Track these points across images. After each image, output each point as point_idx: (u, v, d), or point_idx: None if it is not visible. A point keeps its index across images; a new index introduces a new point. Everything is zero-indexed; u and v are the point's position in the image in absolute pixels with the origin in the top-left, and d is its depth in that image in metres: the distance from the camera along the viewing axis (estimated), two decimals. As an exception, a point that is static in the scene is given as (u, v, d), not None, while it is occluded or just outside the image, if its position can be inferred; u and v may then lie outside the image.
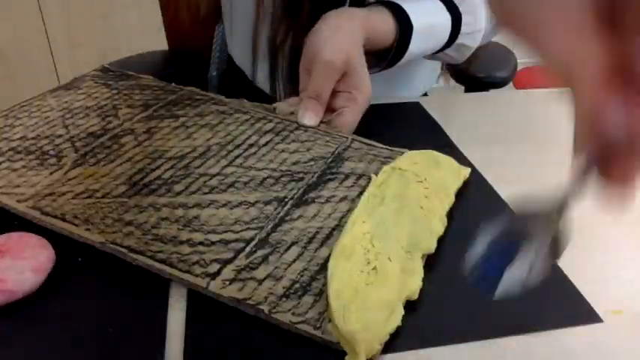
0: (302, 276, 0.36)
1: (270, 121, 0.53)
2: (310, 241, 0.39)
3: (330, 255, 0.37)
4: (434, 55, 0.70)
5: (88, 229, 0.38)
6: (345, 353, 0.32)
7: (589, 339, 0.35)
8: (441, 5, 0.64)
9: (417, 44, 0.62)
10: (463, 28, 0.65)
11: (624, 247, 0.43)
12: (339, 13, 0.57)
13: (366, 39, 0.57)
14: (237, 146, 0.49)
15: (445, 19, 0.63)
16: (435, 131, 0.58)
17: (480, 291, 0.28)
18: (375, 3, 0.63)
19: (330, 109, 0.55)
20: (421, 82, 0.81)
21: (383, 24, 0.60)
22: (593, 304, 0.37)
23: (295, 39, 0.63)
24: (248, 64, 0.76)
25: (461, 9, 0.65)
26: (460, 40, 0.66)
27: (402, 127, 0.59)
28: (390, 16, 0.60)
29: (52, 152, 0.46)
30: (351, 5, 0.64)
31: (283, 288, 0.35)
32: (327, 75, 0.53)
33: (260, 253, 0.38)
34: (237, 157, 0.48)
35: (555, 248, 0.27)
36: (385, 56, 0.62)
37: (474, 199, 0.47)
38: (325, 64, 0.53)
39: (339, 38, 0.54)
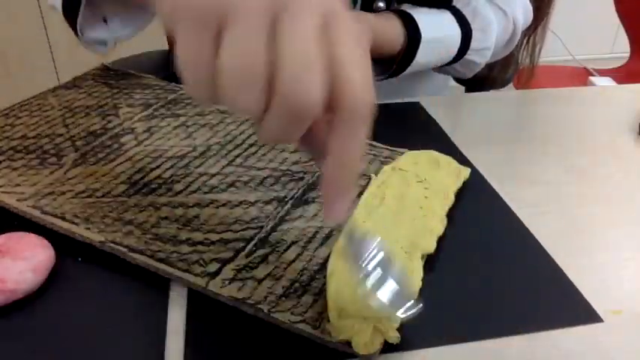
0: (301, 275, 0.36)
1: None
2: (310, 240, 0.39)
3: (329, 255, 0.37)
4: (441, 69, 0.70)
5: (87, 228, 0.38)
6: (343, 353, 0.32)
7: (589, 339, 0.35)
8: (452, 19, 0.64)
9: (425, 54, 0.62)
10: (473, 44, 0.65)
11: (624, 247, 0.43)
12: None
13: (373, 43, 0.57)
14: (238, 146, 0.49)
15: (455, 32, 0.63)
16: (435, 131, 0.58)
17: None
18: (386, 10, 0.63)
19: None
20: (441, 80, 0.81)
21: (391, 30, 0.60)
22: (593, 304, 0.37)
23: None
24: None
25: (473, 25, 0.65)
26: (469, 56, 0.66)
27: (402, 127, 0.59)
28: (400, 23, 0.60)
29: (52, 151, 0.46)
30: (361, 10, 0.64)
31: (283, 287, 0.35)
32: None
33: (260, 252, 0.38)
34: (237, 156, 0.48)
35: None
36: (392, 64, 0.62)
37: (474, 199, 0.47)
38: None
39: None
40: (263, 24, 0.23)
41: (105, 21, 0.45)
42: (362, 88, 0.24)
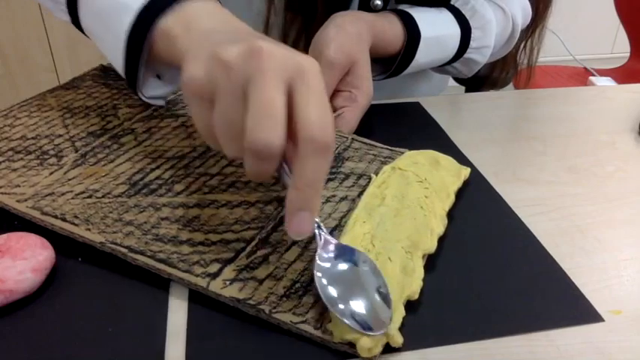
0: (302, 276, 0.36)
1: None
2: (311, 241, 0.39)
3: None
4: (442, 68, 0.70)
5: (88, 229, 0.38)
6: (344, 354, 0.32)
7: (589, 339, 0.35)
8: (452, 17, 0.64)
9: (424, 54, 0.62)
10: (472, 43, 0.65)
11: (624, 247, 0.43)
12: (346, 15, 0.57)
13: (372, 43, 0.57)
14: (238, 146, 0.49)
15: (454, 31, 0.64)
16: (435, 131, 0.58)
17: None
18: (385, 10, 0.63)
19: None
20: (440, 79, 0.81)
21: (391, 30, 0.60)
22: (593, 304, 0.37)
23: (307, 41, 0.63)
24: None
25: (472, 23, 0.65)
26: (468, 54, 0.66)
27: (402, 127, 0.59)
28: (399, 23, 0.60)
29: (51, 152, 0.46)
30: (359, 9, 0.64)
31: (284, 288, 0.35)
32: (329, 74, 0.54)
33: (260, 252, 0.38)
34: (237, 156, 0.48)
35: None
36: (391, 64, 0.62)
37: (474, 199, 0.47)
38: (328, 62, 0.53)
39: (343, 38, 0.54)
40: (237, 96, 0.31)
41: (159, 77, 0.48)
42: (317, 126, 0.30)
